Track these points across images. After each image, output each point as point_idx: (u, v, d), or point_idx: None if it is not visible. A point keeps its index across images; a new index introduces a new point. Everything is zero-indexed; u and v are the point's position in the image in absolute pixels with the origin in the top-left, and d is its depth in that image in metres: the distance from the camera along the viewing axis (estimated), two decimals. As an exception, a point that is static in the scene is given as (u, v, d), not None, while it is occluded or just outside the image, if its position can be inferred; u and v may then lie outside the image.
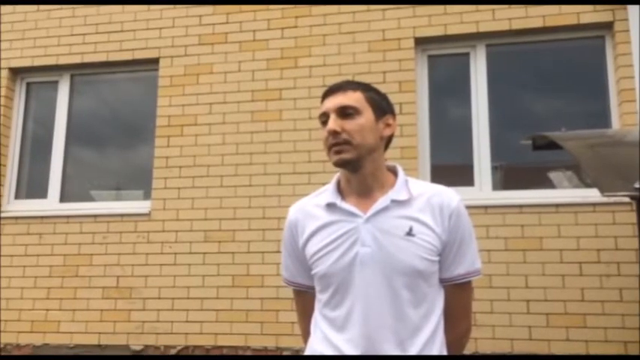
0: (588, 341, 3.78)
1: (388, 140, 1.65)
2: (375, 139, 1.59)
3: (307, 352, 1.64)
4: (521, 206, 4.04)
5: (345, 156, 1.55)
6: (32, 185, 5.03)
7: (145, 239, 4.50)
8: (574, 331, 3.81)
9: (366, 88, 1.62)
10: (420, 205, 1.56)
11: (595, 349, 3.76)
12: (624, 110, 4.01)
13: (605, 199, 3.69)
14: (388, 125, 1.63)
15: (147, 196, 4.71)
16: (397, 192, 1.58)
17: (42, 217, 4.70)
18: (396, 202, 1.56)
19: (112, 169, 5.07)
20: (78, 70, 5.06)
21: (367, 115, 1.57)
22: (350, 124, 1.55)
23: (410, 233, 1.52)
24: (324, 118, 1.60)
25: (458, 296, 1.61)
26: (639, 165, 2.49)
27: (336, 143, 1.55)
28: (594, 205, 3.92)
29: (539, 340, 3.85)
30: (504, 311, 3.91)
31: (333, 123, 1.55)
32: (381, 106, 1.62)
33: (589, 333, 3.79)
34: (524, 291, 3.92)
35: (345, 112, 1.56)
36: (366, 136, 1.56)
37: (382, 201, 1.56)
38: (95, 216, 4.63)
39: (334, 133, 1.55)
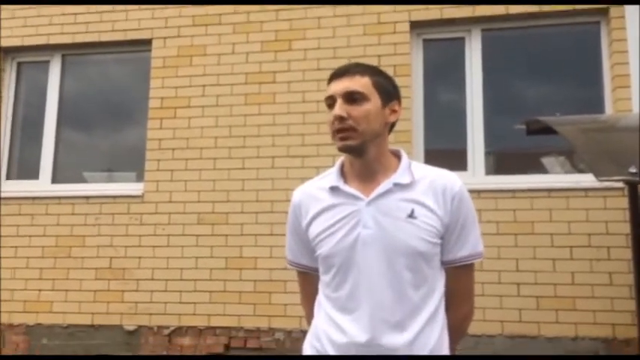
0: (577, 323, 3.85)
1: (392, 125, 1.66)
2: (381, 125, 1.60)
3: (312, 332, 1.66)
4: (513, 191, 4.08)
5: (350, 142, 1.56)
6: (24, 166, 4.99)
7: (137, 221, 4.49)
8: (563, 314, 3.88)
9: (373, 73, 1.61)
10: (423, 188, 1.58)
11: (584, 332, 3.83)
12: (618, 96, 4.04)
13: (596, 185, 3.74)
14: (394, 111, 1.63)
15: (139, 178, 4.69)
16: (400, 175, 1.59)
17: (34, 198, 4.67)
18: (399, 186, 1.57)
19: (105, 151, 5.04)
20: (69, 51, 4.99)
21: (374, 101, 1.57)
22: (356, 110, 1.55)
23: (412, 216, 1.54)
24: (330, 101, 1.60)
25: (460, 279, 1.63)
26: (637, 150, 2.52)
27: (342, 129, 1.55)
28: (586, 190, 3.97)
29: (529, 323, 3.91)
30: (495, 294, 3.96)
31: (340, 108, 1.55)
32: (388, 92, 1.62)
33: (578, 315, 3.85)
34: (514, 274, 3.98)
35: (351, 98, 1.56)
36: (372, 123, 1.56)
37: (385, 184, 1.58)
38: (87, 197, 4.60)
39: (340, 119, 1.55)
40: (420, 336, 1.51)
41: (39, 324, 4.46)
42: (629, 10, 4.05)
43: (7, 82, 5.04)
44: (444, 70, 4.54)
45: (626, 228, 3.63)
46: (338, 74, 1.60)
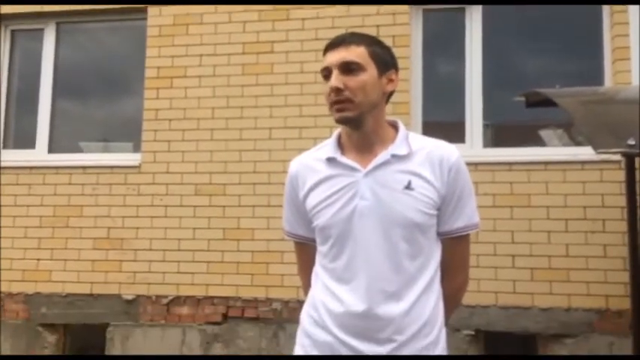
0: (571, 295, 3.90)
1: (389, 95, 1.65)
2: (378, 96, 1.59)
3: (309, 302, 1.68)
4: (510, 164, 4.08)
5: (348, 114, 1.55)
6: (20, 135, 4.97)
7: (135, 192, 4.49)
8: (557, 285, 3.92)
9: (369, 42, 1.60)
10: (420, 159, 1.58)
11: (577, 303, 3.88)
12: (618, 68, 4.01)
13: (593, 157, 3.74)
14: (391, 81, 1.62)
15: (136, 148, 4.68)
16: (397, 147, 1.59)
17: (30, 168, 4.66)
18: (396, 157, 1.57)
19: (101, 121, 5.01)
20: (64, 18, 4.91)
21: (370, 71, 1.56)
22: (353, 81, 1.54)
23: (409, 187, 1.54)
24: (326, 72, 1.59)
25: (456, 249, 1.65)
26: (636, 122, 2.51)
27: (339, 100, 1.55)
28: (583, 163, 3.97)
29: (523, 294, 3.96)
30: (490, 265, 4.00)
31: (336, 79, 1.54)
32: (385, 61, 1.61)
33: (572, 287, 3.90)
34: (510, 246, 4.01)
35: (348, 68, 1.55)
36: (369, 93, 1.56)
37: (382, 156, 1.58)
38: (84, 167, 4.59)
39: (337, 91, 1.54)
40: (416, 306, 1.54)
41: (38, 293, 4.50)
42: (634, 23, 3.99)
43: (1, 51, 4.97)
44: (443, 41, 4.50)
45: (622, 201, 3.65)
46: (333, 45, 1.59)
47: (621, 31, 4.03)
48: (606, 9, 4.18)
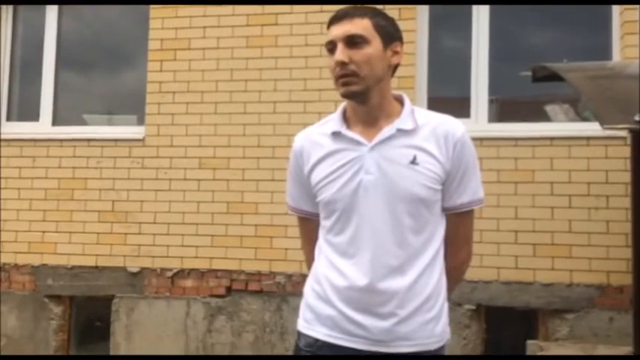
0: (572, 270, 3.91)
1: (395, 68, 1.63)
2: (383, 69, 1.57)
3: (312, 276, 1.69)
4: (516, 139, 4.06)
5: (353, 88, 1.54)
6: (24, 108, 4.95)
7: (139, 165, 4.49)
8: (559, 261, 3.93)
9: (373, 14, 1.58)
10: (425, 134, 1.57)
11: (579, 278, 3.90)
12: (627, 43, 3.95)
13: (599, 133, 3.71)
14: (396, 53, 1.61)
15: (140, 121, 4.67)
16: (403, 121, 1.58)
17: (35, 140, 4.66)
18: (402, 131, 1.57)
19: (105, 93, 4.99)
20: (66, -11, 4.86)
21: (375, 44, 1.55)
22: (358, 55, 1.52)
23: (414, 162, 1.54)
24: (330, 46, 1.57)
25: (460, 224, 1.65)
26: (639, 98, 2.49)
27: (344, 74, 1.53)
28: (588, 139, 3.95)
29: (525, 269, 3.97)
30: (493, 241, 4.00)
31: (341, 53, 1.52)
32: (390, 33, 1.59)
33: (574, 263, 3.91)
34: (513, 222, 4.01)
35: (352, 41, 1.53)
36: (374, 67, 1.54)
37: (387, 130, 1.57)
38: (89, 140, 4.59)
39: (342, 64, 1.52)
40: (419, 280, 1.54)
41: (44, 264, 4.54)
42: None
43: (4, 22, 4.93)
44: (449, 15, 4.43)
45: (626, 177, 3.63)
46: (337, 18, 1.57)
47: (630, 5, 3.96)
48: (616, -18, 4.10)
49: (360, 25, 1.54)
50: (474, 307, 4.02)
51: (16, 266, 4.57)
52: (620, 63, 3.86)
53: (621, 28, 4.03)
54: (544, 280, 3.95)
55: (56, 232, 4.54)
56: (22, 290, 4.56)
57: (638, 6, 3.93)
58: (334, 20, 1.58)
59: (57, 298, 4.56)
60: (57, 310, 4.55)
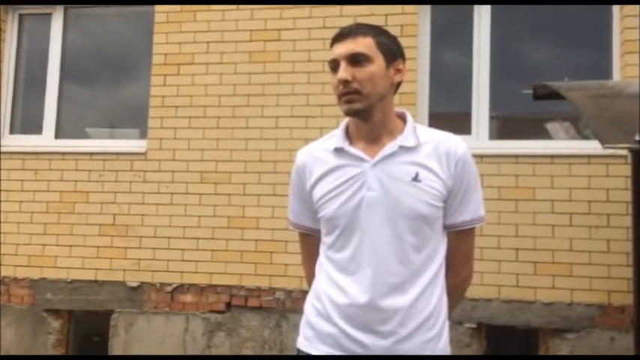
0: (573, 289, 3.90)
1: (397, 85, 1.65)
2: (386, 87, 1.59)
3: (313, 293, 1.69)
4: (516, 156, 4.06)
5: (356, 106, 1.55)
6: (27, 120, 4.97)
7: (141, 178, 4.50)
8: (560, 280, 3.92)
9: (376, 33, 1.59)
10: (427, 151, 1.58)
11: (580, 297, 3.88)
12: (627, 62, 3.97)
13: (599, 152, 3.71)
14: (399, 71, 1.62)
15: (142, 135, 4.68)
16: (405, 138, 1.59)
17: (37, 153, 4.67)
18: (404, 148, 1.57)
19: (108, 107, 5.01)
20: (72, 3, 4.90)
21: (378, 63, 1.56)
22: (361, 73, 1.54)
23: (416, 179, 1.54)
24: (333, 64, 1.58)
25: (461, 242, 1.65)
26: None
27: (347, 92, 1.54)
28: (589, 157, 3.95)
29: (526, 287, 3.96)
30: (494, 259, 3.99)
31: (344, 72, 1.53)
32: (392, 51, 1.60)
33: (575, 282, 3.90)
34: (514, 239, 4.00)
35: (355, 60, 1.54)
36: (377, 85, 1.55)
37: (390, 147, 1.58)
38: (91, 154, 4.60)
39: (345, 82, 1.54)
40: (421, 298, 1.54)
41: (43, 278, 4.53)
42: None
43: (8, 35, 4.97)
44: (451, 32, 4.47)
45: (627, 196, 3.63)
46: (340, 36, 1.58)
47: (630, 24, 3.99)
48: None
49: (363, 44, 1.55)
50: (474, 326, 4.00)
51: (16, 280, 4.56)
52: (621, 82, 3.88)
53: (621, 47, 4.06)
54: (545, 298, 3.93)
55: (56, 245, 4.54)
56: (21, 304, 4.54)
57: (638, 25, 3.95)
58: (337, 38, 1.59)
59: (55, 313, 4.53)
60: (55, 324, 4.52)
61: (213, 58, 4.50)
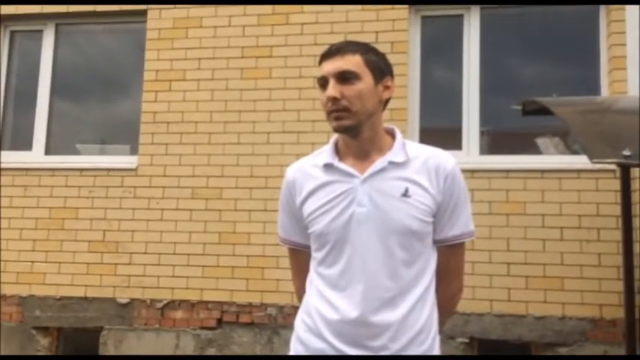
0: (565, 303, 3.90)
1: (386, 102, 1.66)
2: (374, 104, 1.60)
3: (303, 309, 1.68)
4: (507, 171, 4.09)
5: (345, 123, 1.56)
6: (17, 137, 4.95)
7: (131, 194, 4.48)
8: (552, 294, 3.92)
9: (364, 50, 1.60)
10: (417, 167, 1.59)
11: (571, 311, 3.89)
12: (614, 78, 4.03)
13: (589, 166, 3.74)
14: (387, 88, 1.63)
15: (133, 151, 4.67)
16: (394, 154, 1.60)
17: (27, 170, 4.64)
18: (393, 164, 1.58)
19: (98, 123, 5.00)
20: (63, 20, 4.91)
21: (366, 80, 1.57)
22: (349, 90, 1.55)
23: (406, 194, 1.55)
24: (322, 81, 1.59)
25: (451, 257, 1.65)
26: (632, 132, 2.52)
27: (336, 109, 1.55)
28: (579, 171, 3.98)
29: (518, 302, 3.96)
30: (485, 273, 4.00)
31: (332, 89, 1.55)
32: (380, 68, 1.62)
33: (566, 295, 3.90)
34: (505, 254, 4.01)
35: (344, 77, 1.55)
36: (366, 102, 1.56)
37: (379, 163, 1.59)
38: (81, 170, 4.58)
39: (334, 100, 1.55)
40: (411, 313, 1.54)
41: (32, 295, 4.48)
42: (632, 24, 4.01)
43: (0, 51, 4.98)
44: (441, 48, 4.51)
45: (617, 210, 3.66)
46: (329, 54, 1.59)
47: (617, 41, 4.06)
48: (603, 17, 4.20)
49: (352, 62, 1.56)
50: (467, 341, 3.99)
51: (4, 297, 4.50)
52: (609, 98, 3.93)
53: (609, 63, 4.11)
54: (537, 312, 3.93)
55: (45, 262, 4.50)
56: (9, 321, 4.48)
57: (625, 42, 4.01)
58: (326, 56, 1.60)
59: (44, 330, 4.48)
60: (44, 342, 4.46)
61: (205, 74, 4.52)
